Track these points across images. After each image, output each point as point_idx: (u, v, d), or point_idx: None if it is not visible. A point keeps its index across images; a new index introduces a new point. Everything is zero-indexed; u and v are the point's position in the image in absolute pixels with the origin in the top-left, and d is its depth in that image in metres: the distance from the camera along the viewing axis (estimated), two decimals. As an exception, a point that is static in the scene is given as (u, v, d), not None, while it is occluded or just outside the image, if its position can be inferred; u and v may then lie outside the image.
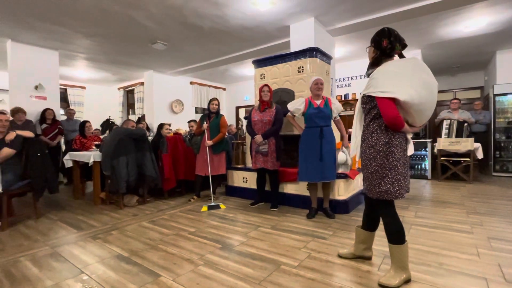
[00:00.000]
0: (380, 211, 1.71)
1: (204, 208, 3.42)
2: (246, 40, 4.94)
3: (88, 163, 3.67)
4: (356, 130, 1.80)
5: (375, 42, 1.69)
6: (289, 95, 3.75)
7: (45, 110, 4.90)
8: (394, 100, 1.53)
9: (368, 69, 1.77)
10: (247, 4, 3.64)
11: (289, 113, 3.11)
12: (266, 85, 3.39)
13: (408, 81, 1.52)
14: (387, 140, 1.60)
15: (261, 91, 3.39)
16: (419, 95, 1.50)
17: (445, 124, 5.21)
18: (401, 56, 1.68)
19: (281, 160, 3.45)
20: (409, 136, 1.71)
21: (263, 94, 3.36)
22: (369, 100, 1.65)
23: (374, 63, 1.71)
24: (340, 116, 3.07)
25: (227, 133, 4.88)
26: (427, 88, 1.53)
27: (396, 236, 1.64)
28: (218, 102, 3.84)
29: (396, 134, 1.61)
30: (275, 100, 3.81)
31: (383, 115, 1.56)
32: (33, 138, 3.22)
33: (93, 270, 1.91)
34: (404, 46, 1.66)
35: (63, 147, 5.47)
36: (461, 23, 4.40)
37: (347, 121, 4.45)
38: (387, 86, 1.53)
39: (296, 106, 3.01)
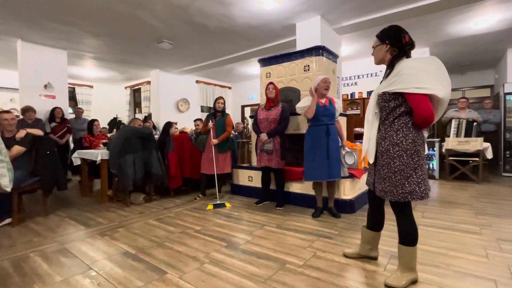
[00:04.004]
0: (396, 212, 1.64)
1: (210, 207, 3.44)
2: (252, 39, 4.94)
3: (95, 161, 3.72)
4: (369, 130, 1.70)
5: (391, 39, 1.60)
6: (295, 93, 3.74)
7: (54, 109, 4.99)
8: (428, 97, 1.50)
9: (387, 69, 1.64)
10: (253, 2, 3.64)
11: (301, 114, 3.01)
12: (271, 83, 3.39)
13: (438, 78, 1.50)
14: (414, 138, 1.54)
15: (266, 89, 3.40)
16: (448, 92, 1.50)
17: (453, 124, 5.13)
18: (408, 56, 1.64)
19: (286, 159, 3.44)
20: (426, 134, 1.66)
21: (268, 92, 3.37)
22: (393, 98, 1.56)
23: (394, 62, 1.60)
24: (346, 115, 3.05)
25: (233, 131, 4.90)
26: (449, 85, 1.52)
27: (410, 238, 1.59)
28: (224, 101, 3.85)
29: (419, 132, 1.57)
30: (281, 98, 3.80)
31: (418, 111, 1.48)
32: (43, 136, 3.28)
33: (101, 266, 1.94)
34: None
35: (72, 145, 5.56)
36: (471, 20, 4.32)
37: (354, 120, 4.43)
38: (423, 82, 1.47)
39: (304, 104, 2.93)
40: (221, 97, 3.85)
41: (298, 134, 3.65)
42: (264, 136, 3.30)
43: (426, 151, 1.73)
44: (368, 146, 1.72)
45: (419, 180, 1.53)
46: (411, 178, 1.53)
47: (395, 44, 1.60)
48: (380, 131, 1.66)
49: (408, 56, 1.62)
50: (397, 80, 1.53)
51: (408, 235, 1.60)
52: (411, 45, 1.59)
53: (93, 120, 4.78)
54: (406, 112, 1.56)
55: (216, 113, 3.85)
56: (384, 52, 1.64)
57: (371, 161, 1.72)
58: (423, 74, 1.49)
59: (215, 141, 3.70)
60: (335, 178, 2.88)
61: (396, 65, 1.59)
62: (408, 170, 1.54)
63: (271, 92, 3.35)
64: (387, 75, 1.65)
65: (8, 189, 2.57)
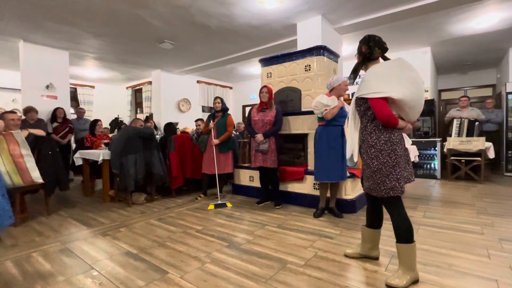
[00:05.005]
0: (388, 209, 1.71)
1: (211, 206, 3.45)
2: (253, 38, 4.94)
3: (97, 161, 3.74)
4: (352, 132, 1.85)
5: (358, 50, 1.81)
6: (296, 93, 3.74)
7: (56, 109, 5.00)
8: (386, 100, 1.61)
9: (350, 75, 1.87)
10: (254, 2, 3.64)
11: (324, 113, 2.82)
12: (265, 86, 3.43)
13: (398, 80, 1.61)
14: (387, 138, 1.65)
15: (260, 92, 3.44)
16: (410, 92, 1.59)
17: (455, 123, 5.11)
18: (385, 58, 1.77)
19: (286, 159, 3.46)
20: (405, 134, 1.76)
21: (261, 95, 3.42)
22: (362, 102, 1.71)
23: (356, 69, 1.82)
24: None
25: (234, 131, 4.90)
26: (415, 85, 1.61)
27: (405, 234, 1.63)
28: (221, 100, 3.84)
29: (395, 131, 1.67)
30: (282, 98, 3.81)
31: (376, 114, 1.63)
32: (45, 136, 3.29)
33: (103, 266, 1.95)
34: (384, 49, 1.76)
35: (73, 146, 5.57)
36: (472, 20, 4.30)
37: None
38: (380, 86, 1.61)
39: (329, 102, 2.78)
40: (217, 97, 3.86)
41: (298, 134, 3.65)
42: (260, 136, 3.33)
43: (409, 141, 1.81)
44: (351, 146, 1.87)
45: (398, 177, 1.63)
46: (391, 176, 1.63)
47: (359, 54, 1.80)
48: (360, 134, 1.81)
49: (385, 59, 1.77)
50: (362, 86, 1.70)
51: (403, 232, 1.64)
52: (370, 53, 1.74)
53: (97, 120, 4.78)
54: (375, 115, 1.67)
55: (216, 113, 3.86)
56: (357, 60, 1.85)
57: (355, 159, 1.86)
58: (381, 78, 1.63)
59: (216, 141, 3.71)
60: (345, 179, 2.94)
61: (365, 72, 1.77)
62: (387, 168, 1.64)
63: (265, 96, 3.40)
64: (352, 79, 1.88)
65: (40, 181, 2.60)
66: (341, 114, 2.87)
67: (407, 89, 1.58)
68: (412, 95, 1.58)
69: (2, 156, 2.27)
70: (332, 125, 2.88)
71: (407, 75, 1.61)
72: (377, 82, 1.62)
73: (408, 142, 1.79)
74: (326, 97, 2.86)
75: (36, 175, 2.57)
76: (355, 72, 1.83)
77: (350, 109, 1.89)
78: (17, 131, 2.49)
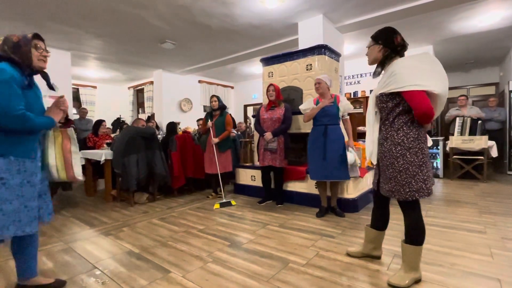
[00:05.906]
0: (404, 211, 1.64)
1: (217, 206, 3.46)
2: (254, 38, 4.94)
3: (100, 161, 3.75)
4: (374, 131, 1.73)
5: (384, 40, 1.63)
6: (297, 93, 3.74)
7: (58, 110, 5.02)
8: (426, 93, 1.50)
9: (377, 68, 1.68)
10: (255, 2, 3.63)
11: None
12: (271, 84, 3.42)
13: (433, 74, 1.51)
14: (416, 135, 1.55)
15: (267, 91, 3.45)
16: (445, 87, 1.51)
17: (458, 122, 5.09)
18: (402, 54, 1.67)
19: (288, 158, 3.45)
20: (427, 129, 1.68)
21: (268, 95, 3.43)
22: (390, 98, 1.58)
23: (384, 61, 1.64)
24: (349, 114, 3.04)
25: (234, 131, 4.91)
26: (446, 80, 1.53)
27: (417, 237, 1.59)
28: (217, 98, 3.83)
29: (422, 129, 1.57)
30: (284, 97, 3.80)
31: (416, 108, 1.48)
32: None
33: (106, 265, 1.96)
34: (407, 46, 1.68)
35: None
36: (475, 18, 4.27)
37: (356, 119, 4.42)
38: (418, 79, 1.48)
39: (305, 107, 3.05)
40: (213, 96, 3.85)
41: (300, 133, 3.64)
42: (269, 135, 3.31)
43: (430, 142, 1.72)
44: (372, 148, 1.74)
45: (425, 178, 1.54)
46: (417, 176, 1.53)
47: (387, 44, 1.62)
48: (381, 132, 1.68)
49: (401, 56, 1.66)
50: (392, 80, 1.55)
51: (416, 234, 1.59)
52: (402, 46, 1.63)
53: (101, 121, 4.79)
54: (405, 111, 1.56)
55: (214, 112, 3.85)
56: (377, 52, 1.66)
57: (374, 161, 1.74)
58: (417, 71, 1.50)
59: (215, 140, 3.71)
60: (331, 179, 2.88)
61: (389, 65, 1.62)
62: (413, 168, 1.53)
63: (272, 95, 3.40)
64: (378, 73, 1.69)
65: (80, 178, 2.62)
66: (323, 114, 2.86)
67: (442, 84, 1.50)
68: (445, 91, 1.51)
69: (56, 151, 2.31)
70: (316, 125, 2.93)
71: (438, 70, 1.53)
72: (412, 75, 1.49)
73: (429, 142, 1.72)
74: (307, 102, 3.05)
75: (77, 171, 2.59)
76: (383, 65, 1.65)
77: (368, 107, 1.77)
78: (71, 129, 2.57)
